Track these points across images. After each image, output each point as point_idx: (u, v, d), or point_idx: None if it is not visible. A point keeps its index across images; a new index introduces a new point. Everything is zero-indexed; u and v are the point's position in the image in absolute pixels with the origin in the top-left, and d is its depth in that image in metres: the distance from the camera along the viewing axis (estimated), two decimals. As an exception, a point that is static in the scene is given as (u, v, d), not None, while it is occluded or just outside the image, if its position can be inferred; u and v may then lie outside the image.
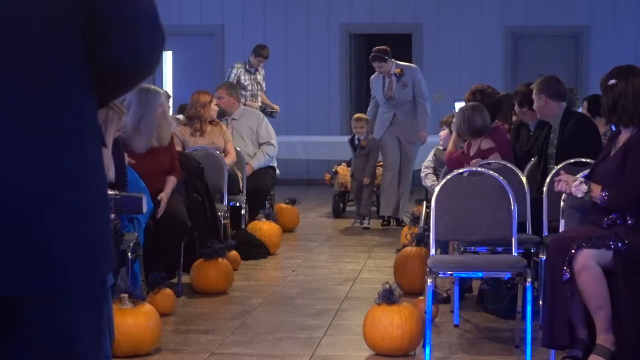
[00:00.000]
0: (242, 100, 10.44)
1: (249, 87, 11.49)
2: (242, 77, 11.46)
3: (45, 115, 1.82)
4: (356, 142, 10.23)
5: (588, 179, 4.88)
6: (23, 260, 1.78)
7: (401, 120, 9.98)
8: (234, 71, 11.53)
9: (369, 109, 10.42)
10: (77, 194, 1.85)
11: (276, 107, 12.01)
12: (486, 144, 6.39)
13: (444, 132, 7.80)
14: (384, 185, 10.07)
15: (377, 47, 9.99)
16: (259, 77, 11.65)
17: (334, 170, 11.01)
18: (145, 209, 5.23)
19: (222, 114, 9.30)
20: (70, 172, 1.84)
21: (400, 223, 9.98)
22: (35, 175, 1.80)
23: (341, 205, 11.11)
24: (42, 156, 1.81)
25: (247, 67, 11.54)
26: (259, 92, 11.58)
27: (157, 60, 1.96)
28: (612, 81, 4.86)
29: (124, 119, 6.09)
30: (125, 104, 6.27)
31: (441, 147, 7.89)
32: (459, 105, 7.12)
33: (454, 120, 6.98)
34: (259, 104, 11.47)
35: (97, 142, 1.94)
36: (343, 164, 10.99)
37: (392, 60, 9.96)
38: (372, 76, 10.27)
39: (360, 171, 10.13)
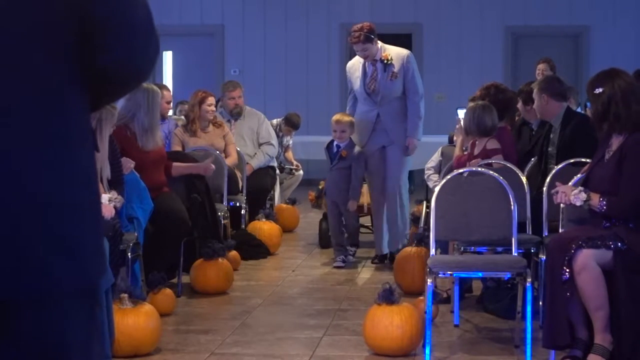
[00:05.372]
0: None
1: None
2: None
3: (35, 119, 1.78)
4: (334, 149, 7.85)
5: (584, 184, 4.87)
6: (10, 265, 1.75)
7: (387, 122, 7.69)
8: None
9: (347, 107, 8.08)
10: (67, 199, 1.81)
11: (298, 165, 10.88)
12: (492, 144, 6.35)
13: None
14: (375, 213, 7.98)
15: (358, 25, 7.56)
16: (285, 140, 10.57)
17: (321, 187, 8.76)
18: None
19: (239, 114, 9.24)
20: (61, 176, 1.80)
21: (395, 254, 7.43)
22: (25, 180, 1.76)
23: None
24: (31, 160, 1.77)
25: (277, 130, 10.29)
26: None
27: (152, 66, 1.93)
28: (599, 90, 4.83)
29: (138, 118, 6.47)
30: (133, 105, 6.47)
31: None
32: (461, 112, 7.05)
33: (460, 119, 6.96)
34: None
35: (89, 146, 1.90)
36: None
37: (378, 42, 7.63)
38: (349, 62, 7.97)
39: (338, 190, 7.82)
